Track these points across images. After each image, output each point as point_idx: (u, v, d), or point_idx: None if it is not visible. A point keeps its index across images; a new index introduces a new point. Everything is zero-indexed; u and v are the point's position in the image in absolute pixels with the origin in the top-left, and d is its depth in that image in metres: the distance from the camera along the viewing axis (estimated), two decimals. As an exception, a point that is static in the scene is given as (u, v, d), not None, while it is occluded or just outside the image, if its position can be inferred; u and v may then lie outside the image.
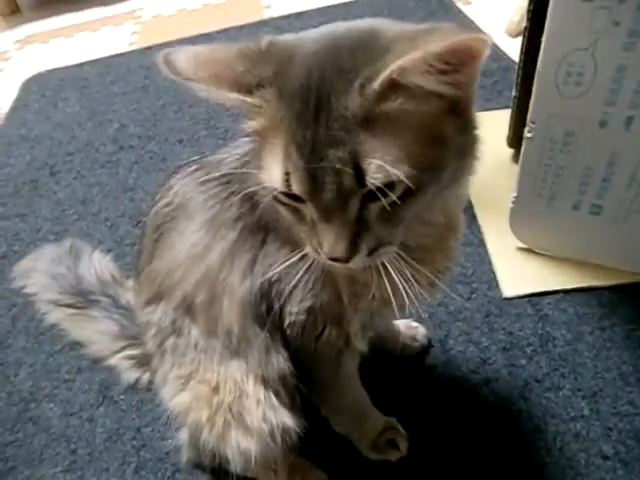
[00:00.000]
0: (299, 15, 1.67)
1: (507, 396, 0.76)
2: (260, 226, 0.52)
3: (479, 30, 1.43)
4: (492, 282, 0.88)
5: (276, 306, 0.54)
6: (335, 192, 0.38)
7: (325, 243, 0.40)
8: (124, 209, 1.16)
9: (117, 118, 1.43)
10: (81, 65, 1.67)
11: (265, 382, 0.56)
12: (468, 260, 0.91)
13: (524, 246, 0.90)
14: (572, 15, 0.63)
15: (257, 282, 0.53)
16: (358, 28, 0.41)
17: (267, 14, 1.76)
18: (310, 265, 0.48)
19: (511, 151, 1.06)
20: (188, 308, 0.56)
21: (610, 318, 0.82)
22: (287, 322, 0.54)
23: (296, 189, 0.39)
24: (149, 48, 1.69)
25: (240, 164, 0.53)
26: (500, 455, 0.71)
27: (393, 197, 0.38)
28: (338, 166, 0.37)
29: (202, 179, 0.55)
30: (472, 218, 0.96)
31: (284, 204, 0.42)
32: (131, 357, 0.81)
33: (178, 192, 0.57)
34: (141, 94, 1.50)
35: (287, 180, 0.39)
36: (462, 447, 0.72)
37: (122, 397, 0.83)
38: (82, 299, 0.85)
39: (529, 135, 0.76)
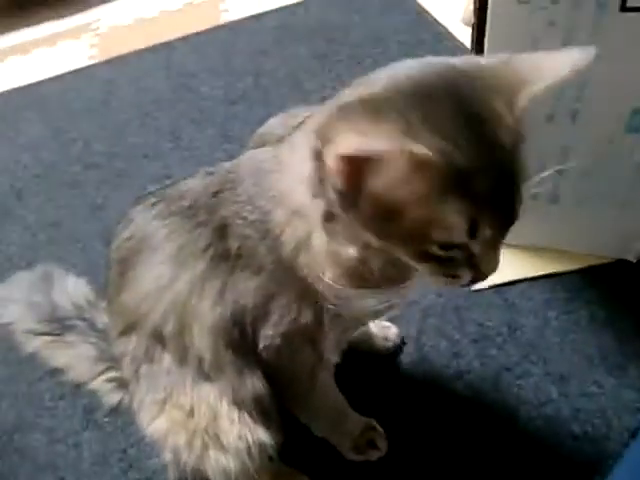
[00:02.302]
0: (258, 17, 1.66)
1: (480, 388, 0.78)
2: (230, 254, 0.53)
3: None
4: (460, 276, 0.90)
5: (250, 331, 0.55)
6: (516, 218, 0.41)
7: (486, 268, 0.44)
8: (95, 229, 1.16)
9: (81, 136, 1.42)
10: (40, 83, 1.65)
11: (239, 403, 0.58)
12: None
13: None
14: (510, 17, 0.65)
15: (229, 309, 0.54)
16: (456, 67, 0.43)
17: (225, 18, 1.75)
18: (291, 292, 0.51)
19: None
20: (159, 337, 0.57)
21: (574, 302, 0.85)
22: (262, 346, 0.56)
23: (486, 233, 0.39)
24: (109, 61, 1.67)
25: (207, 196, 0.55)
26: (476, 445, 0.73)
27: None
28: (524, 193, 0.40)
29: (165, 211, 0.56)
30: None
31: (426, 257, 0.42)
32: (112, 379, 0.81)
33: (139, 225, 0.58)
34: (103, 110, 1.48)
35: (472, 228, 0.39)
36: (439, 441, 0.74)
37: (106, 420, 0.84)
38: (58, 325, 0.85)
39: (482, 132, 0.78)
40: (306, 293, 0.52)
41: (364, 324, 0.73)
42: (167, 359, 0.58)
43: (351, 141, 0.36)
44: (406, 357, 0.83)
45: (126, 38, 1.80)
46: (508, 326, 0.83)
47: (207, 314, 0.55)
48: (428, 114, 0.38)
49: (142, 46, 1.69)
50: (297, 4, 1.66)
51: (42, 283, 0.90)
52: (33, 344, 0.86)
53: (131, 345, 0.60)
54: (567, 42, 0.64)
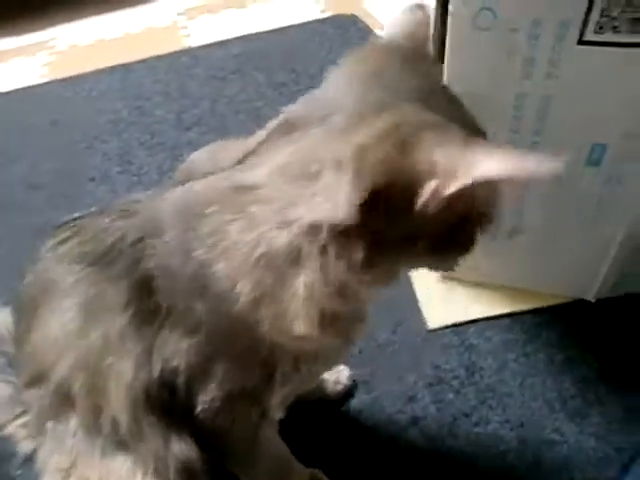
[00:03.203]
0: (221, 44, 1.64)
1: (436, 434, 0.73)
2: (157, 312, 0.46)
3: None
4: (416, 313, 0.86)
5: (182, 393, 0.48)
6: None
7: None
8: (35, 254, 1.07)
9: (28, 155, 1.34)
10: (-13, 100, 1.57)
11: (161, 473, 0.50)
12: (392, 290, 0.88)
13: (445, 274, 0.89)
14: (469, 45, 0.63)
15: (156, 370, 0.47)
16: None
17: (186, 43, 1.72)
18: (237, 352, 0.46)
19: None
20: (65, 394, 0.50)
21: (533, 343, 0.81)
22: (198, 409, 0.49)
23: None
24: (63, 80, 1.61)
25: (125, 243, 0.47)
26: (430, 500, 0.68)
27: None
28: None
29: (74, 254, 0.49)
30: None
31: None
32: (27, 425, 0.73)
33: (47, 264, 0.51)
34: (53, 129, 1.41)
35: None
36: (391, 495, 0.68)
37: (19, 472, 0.74)
38: (-28, 362, 0.76)
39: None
40: (255, 352, 0.46)
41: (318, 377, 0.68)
42: (74, 421, 0.51)
43: (498, 163, 0.32)
44: (357, 401, 0.77)
45: (84, 58, 1.75)
46: (466, 368, 0.79)
47: (126, 374, 0.47)
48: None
49: (100, 67, 1.64)
50: (260, 33, 1.65)
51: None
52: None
53: (37, 397, 0.53)
54: (526, 73, 0.62)
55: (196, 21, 1.86)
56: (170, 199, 0.47)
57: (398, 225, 0.38)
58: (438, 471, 0.70)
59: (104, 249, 0.47)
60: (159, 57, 1.64)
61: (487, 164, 0.32)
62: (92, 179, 1.22)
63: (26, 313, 0.53)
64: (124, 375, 0.47)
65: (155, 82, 1.51)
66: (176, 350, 0.46)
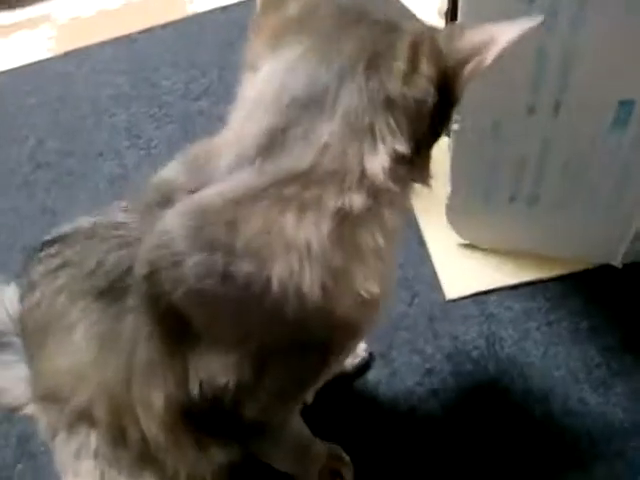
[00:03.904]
0: (224, 9, 1.58)
1: (455, 407, 0.72)
2: (188, 336, 0.43)
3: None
4: (434, 284, 0.84)
5: (227, 406, 0.46)
6: None
7: None
8: (42, 234, 1.06)
9: (34, 133, 1.32)
10: (-8, 77, 1.55)
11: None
12: (408, 262, 0.86)
13: (465, 242, 0.86)
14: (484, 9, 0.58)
15: (194, 392, 0.45)
16: None
17: (191, 9, 1.66)
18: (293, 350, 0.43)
19: (448, 140, 1.02)
20: (83, 415, 0.49)
21: (556, 311, 0.78)
22: (246, 413, 0.47)
23: None
24: (67, 54, 1.58)
25: (134, 278, 0.43)
26: (451, 471, 0.66)
27: None
28: None
29: (72, 288, 0.47)
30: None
31: None
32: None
33: (45, 297, 0.49)
34: (59, 105, 1.39)
35: None
36: (411, 468, 0.67)
37: (42, 449, 0.75)
38: (-7, 343, 0.77)
39: (456, 127, 0.71)
40: (315, 341, 0.44)
41: None
42: (94, 438, 0.50)
43: (510, 30, 0.39)
44: (374, 374, 0.76)
45: (87, 30, 1.70)
46: (486, 339, 0.77)
47: (157, 400, 0.46)
48: None
49: (103, 39, 1.60)
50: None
51: (-22, 295, 0.82)
52: (-37, 364, 0.78)
53: (51, 414, 0.53)
54: (548, 25, 0.57)
55: (200, -14, 1.80)
56: (174, 220, 0.42)
57: (440, 112, 0.41)
58: (458, 444, 0.68)
59: (108, 284, 0.44)
60: (163, 26, 1.59)
61: (505, 34, 0.39)
62: (100, 154, 1.20)
63: (32, 341, 0.53)
64: (155, 401, 0.46)
65: (161, 52, 1.47)
66: (220, 368, 0.43)
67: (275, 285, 0.39)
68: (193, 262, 0.40)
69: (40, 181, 1.19)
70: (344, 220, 0.39)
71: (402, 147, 0.39)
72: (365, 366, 0.76)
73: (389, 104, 0.39)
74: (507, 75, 0.63)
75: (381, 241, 0.41)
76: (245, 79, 0.44)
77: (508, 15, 0.57)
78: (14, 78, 1.53)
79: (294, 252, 0.39)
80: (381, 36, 0.40)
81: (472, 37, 0.40)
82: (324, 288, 0.40)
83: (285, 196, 0.39)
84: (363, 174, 0.39)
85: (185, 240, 0.40)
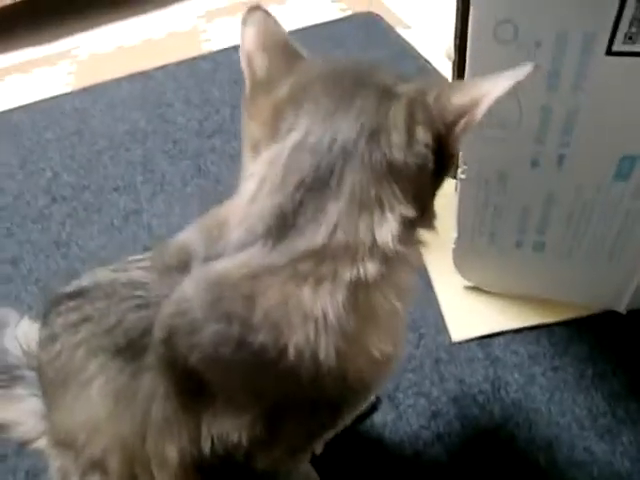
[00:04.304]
0: (237, 48, 1.63)
1: (460, 452, 0.72)
2: (204, 396, 0.45)
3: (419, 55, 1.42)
4: (440, 326, 0.85)
5: (239, 460, 0.47)
6: None
7: None
8: (56, 268, 1.09)
9: (50, 166, 1.36)
10: (12, 111, 1.60)
11: None
12: (415, 304, 0.87)
13: (471, 285, 0.87)
14: (490, 57, 0.60)
15: (206, 448, 0.46)
16: None
17: (206, 47, 1.72)
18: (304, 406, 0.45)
19: (454, 182, 1.04)
20: (96, 464, 0.50)
21: (562, 357, 0.79)
22: (258, 466, 0.49)
23: None
24: (84, 89, 1.63)
25: (151, 339, 0.45)
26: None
27: None
28: None
29: (91, 343, 0.48)
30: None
31: None
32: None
33: (65, 348, 0.50)
34: (76, 139, 1.43)
35: None
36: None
37: (50, 486, 0.76)
38: (6, 376, 0.78)
39: (463, 177, 0.73)
40: (328, 399, 0.45)
41: None
42: None
43: (498, 84, 0.41)
44: (381, 416, 0.76)
45: (105, 66, 1.76)
46: (491, 383, 0.77)
47: (171, 455, 0.47)
48: None
49: (120, 74, 1.65)
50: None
51: (-8, 326, 0.83)
52: (-24, 396, 0.79)
53: (65, 459, 0.53)
54: (551, 86, 0.60)
55: (215, 24, 1.86)
56: (192, 289, 0.44)
57: (438, 166, 0.43)
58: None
59: (126, 342, 0.46)
60: (179, 63, 1.64)
61: (493, 89, 0.40)
62: (116, 189, 1.24)
63: (51, 390, 0.54)
64: (169, 454, 0.47)
65: (176, 89, 1.52)
66: (233, 426, 0.45)
67: (292, 353, 0.41)
68: (210, 331, 0.42)
69: (55, 214, 1.21)
70: (359, 288, 0.41)
71: (409, 211, 0.41)
72: (372, 408, 0.76)
73: (392, 174, 0.40)
74: (512, 129, 0.65)
75: (396, 302, 0.43)
76: (247, 158, 0.45)
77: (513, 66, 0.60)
78: (32, 113, 1.58)
79: (310, 322, 0.40)
80: (377, 107, 0.41)
81: (462, 97, 0.41)
82: (339, 353, 0.41)
83: (301, 271, 0.40)
84: (374, 244, 0.40)
85: (203, 310, 0.42)
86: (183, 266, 0.46)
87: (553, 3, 0.55)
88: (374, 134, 0.40)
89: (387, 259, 0.41)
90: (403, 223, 0.41)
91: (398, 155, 0.40)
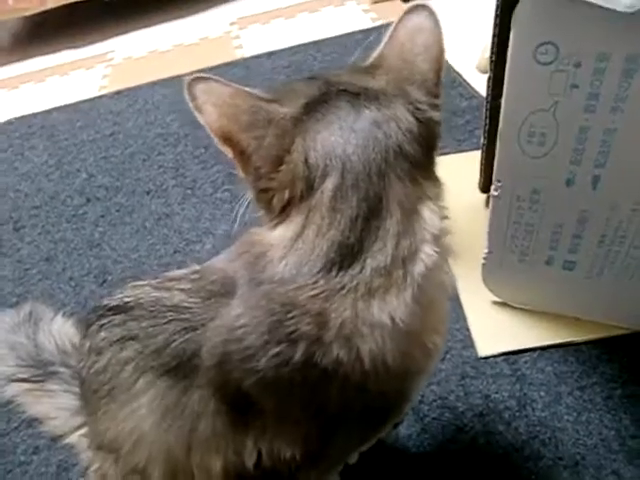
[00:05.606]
0: (270, 54, 1.66)
1: (485, 468, 0.72)
2: (254, 413, 0.47)
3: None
4: (467, 340, 0.85)
5: (287, 472, 0.49)
6: None
7: None
8: (89, 267, 1.12)
9: (85, 167, 1.40)
10: (50, 111, 1.64)
11: None
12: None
13: (500, 300, 0.87)
14: (530, 77, 0.61)
15: (251, 460, 0.48)
16: None
17: (239, 54, 1.74)
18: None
19: (484, 196, 1.04)
20: (139, 471, 0.52)
21: (590, 376, 0.79)
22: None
23: None
24: (119, 92, 1.67)
25: (210, 364, 0.46)
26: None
27: None
28: None
29: (139, 361, 0.49)
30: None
31: None
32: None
33: (111, 364, 0.51)
34: (110, 141, 1.46)
35: None
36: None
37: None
38: (41, 371, 0.80)
39: (495, 193, 0.74)
40: (383, 403, 0.47)
41: None
42: None
43: None
44: (405, 428, 0.77)
45: (138, 70, 1.80)
46: (517, 400, 0.77)
47: (216, 467, 0.49)
48: None
49: (154, 79, 1.69)
50: (309, 44, 1.66)
51: (28, 323, 0.85)
52: (11, 390, 0.81)
53: (105, 462, 0.55)
54: (590, 107, 0.60)
55: (248, 31, 1.89)
56: (246, 314, 0.44)
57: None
58: (487, 506, 0.69)
59: (175, 364, 0.47)
60: (212, 68, 1.67)
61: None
62: (148, 192, 1.26)
63: (96, 400, 0.55)
64: (213, 466, 0.48)
65: (208, 94, 1.54)
66: (287, 441, 0.46)
67: (366, 364, 0.42)
68: (270, 355, 0.43)
69: (89, 215, 1.25)
70: (423, 278, 0.43)
71: (432, 189, 0.45)
72: (398, 420, 0.77)
73: (416, 167, 0.44)
74: (548, 149, 0.66)
75: (447, 281, 0.46)
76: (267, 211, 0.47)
77: (555, 96, 0.61)
78: (69, 114, 1.62)
79: (378, 329, 0.42)
80: (377, 113, 0.43)
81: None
82: (404, 353, 0.43)
83: (372, 288, 0.42)
84: (429, 232, 0.43)
85: (261, 335, 0.43)
86: (225, 292, 0.47)
87: (596, 25, 0.55)
88: (396, 148, 0.43)
89: (436, 240, 0.44)
90: (436, 197, 0.45)
91: (417, 155, 0.44)
